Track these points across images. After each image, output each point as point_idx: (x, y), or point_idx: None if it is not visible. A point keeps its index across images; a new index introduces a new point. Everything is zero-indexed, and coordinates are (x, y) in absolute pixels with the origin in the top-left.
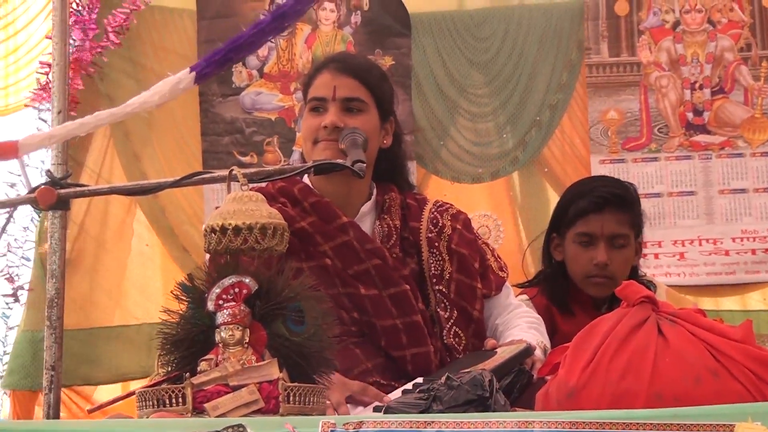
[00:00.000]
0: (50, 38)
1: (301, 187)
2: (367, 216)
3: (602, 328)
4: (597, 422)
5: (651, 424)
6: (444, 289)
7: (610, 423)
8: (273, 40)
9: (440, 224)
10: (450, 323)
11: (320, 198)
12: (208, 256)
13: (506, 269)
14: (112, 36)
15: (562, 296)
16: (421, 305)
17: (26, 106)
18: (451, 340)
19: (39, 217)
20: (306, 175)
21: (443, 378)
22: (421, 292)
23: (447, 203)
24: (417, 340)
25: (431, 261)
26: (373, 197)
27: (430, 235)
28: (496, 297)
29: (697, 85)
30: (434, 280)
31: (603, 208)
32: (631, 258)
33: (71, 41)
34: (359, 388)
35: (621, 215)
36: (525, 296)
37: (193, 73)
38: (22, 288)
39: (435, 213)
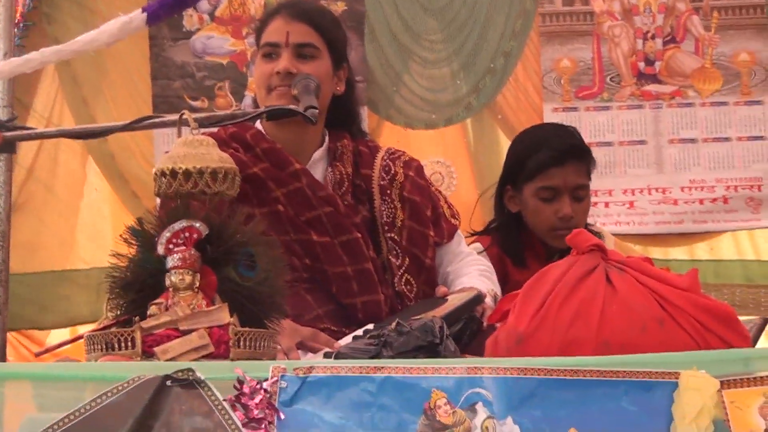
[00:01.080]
0: None
1: (254, 132)
2: (318, 163)
3: (552, 276)
4: (545, 369)
5: (598, 371)
6: (396, 237)
7: (558, 370)
8: None
9: (392, 171)
10: (401, 271)
11: (273, 144)
12: (158, 200)
13: (458, 216)
14: None
15: (517, 247)
16: (372, 253)
17: None
18: (403, 287)
19: None
20: (258, 121)
21: (393, 324)
22: (373, 240)
23: (399, 150)
24: (368, 288)
25: (383, 208)
26: (326, 144)
27: (382, 182)
28: (447, 245)
29: (649, 34)
30: (386, 228)
31: (564, 161)
32: (589, 206)
33: None
34: (310, 334)
35: (580, 166)
36: (479, 245)
37: (145, 14)
38: None
39: (387, 160)
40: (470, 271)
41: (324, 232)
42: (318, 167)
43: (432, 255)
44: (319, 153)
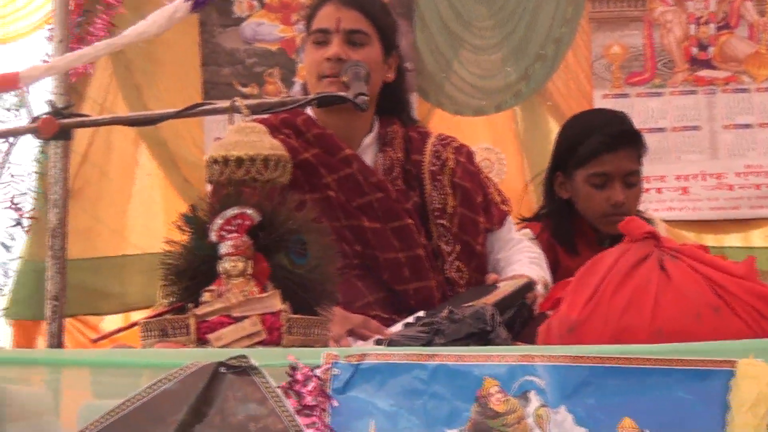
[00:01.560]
0: None
1: (305, 118)
2: (368, 149)
3: (605, 263)
4: (598, 357)
5: (652, 359)
6: (446, 223)
7: (612, 357)
8: None
9: (443, 157)
10: (452, 257)
11: (323, 130)
12: (210, 186)
13: (509, 203)
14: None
15: (568, 233)
16: (423, 239)
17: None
18: (453, 274)
19: (41, 147)
20: (309, 107)
21: (445, 311)
22: (423, 226)
23: (450, 136)
24: (419, 274)
25: (434, 194)
26: (375, 130)
27: (432, 168)
28: (498, 231)
29: (702, 20)
30: (437, 214)
31: (617, 147)
32: (641, 192)
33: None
34: (360, 321)
35: (632, 152)
36: (529, 231)
37: (190, 2)
38: (34, 218)
39: (438, 146)
40: (521, 258)
41: (375, 218)
42: (368, 153)
43: (482, 241)
44: (369, 139)
